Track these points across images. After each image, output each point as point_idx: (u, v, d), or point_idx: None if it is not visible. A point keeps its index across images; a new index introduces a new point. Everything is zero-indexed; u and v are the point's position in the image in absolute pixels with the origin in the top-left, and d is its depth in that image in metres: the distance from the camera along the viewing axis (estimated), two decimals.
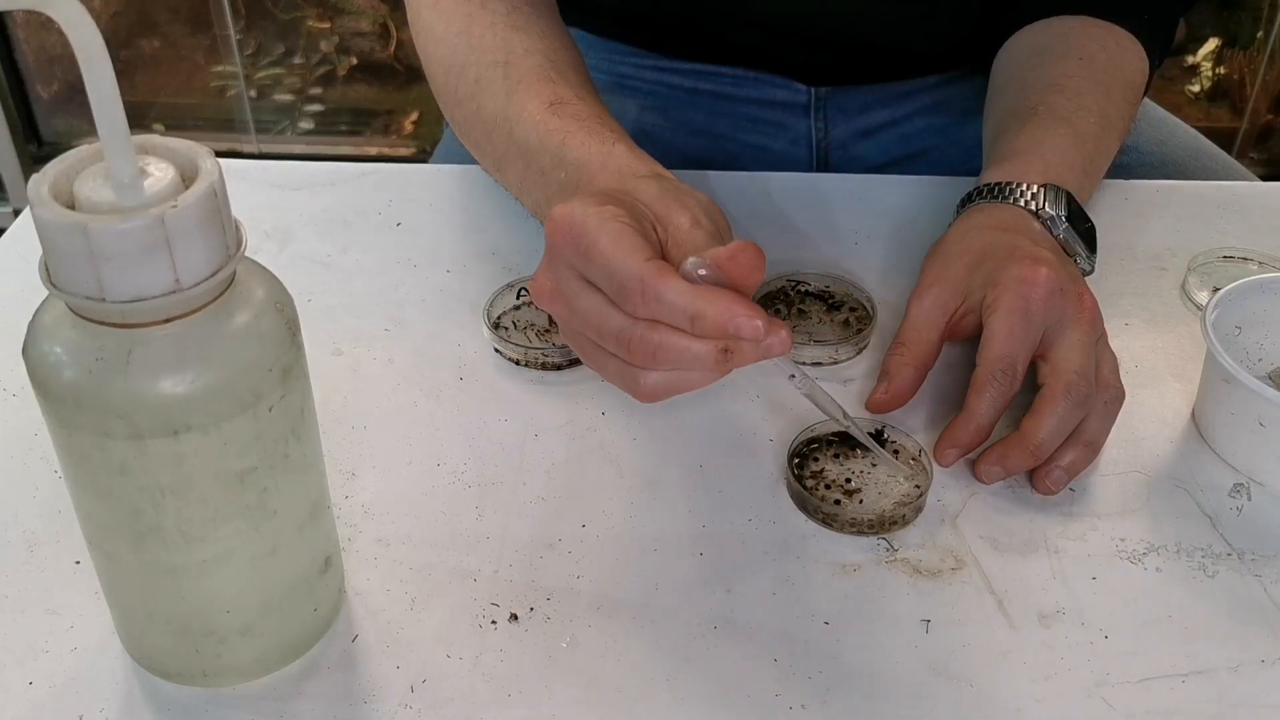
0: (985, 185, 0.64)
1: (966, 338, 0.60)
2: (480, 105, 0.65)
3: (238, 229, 0.38)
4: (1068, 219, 0.62)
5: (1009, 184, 0.63)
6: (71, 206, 0.35)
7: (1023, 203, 0.63)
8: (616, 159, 0.57)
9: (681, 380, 0.48)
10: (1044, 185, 0.63)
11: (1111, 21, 0.73)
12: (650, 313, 0.45)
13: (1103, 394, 0.55)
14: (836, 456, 0.56)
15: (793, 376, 0.51)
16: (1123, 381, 0.56)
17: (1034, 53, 0.74)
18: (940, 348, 0.59)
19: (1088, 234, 0.64)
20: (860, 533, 0.53)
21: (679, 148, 0.86)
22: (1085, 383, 0.54)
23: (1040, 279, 0.56)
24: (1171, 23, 0.78)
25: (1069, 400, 0.53)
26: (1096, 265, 0.65)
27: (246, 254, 0.39)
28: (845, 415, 0.54)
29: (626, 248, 0.45)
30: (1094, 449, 0.55)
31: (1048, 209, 0.62)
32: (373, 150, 2.11)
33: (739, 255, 0.46)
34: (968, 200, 0.65)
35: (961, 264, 0.60)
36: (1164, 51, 0.77)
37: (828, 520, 0.53)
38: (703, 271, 0.45)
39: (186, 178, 0.37)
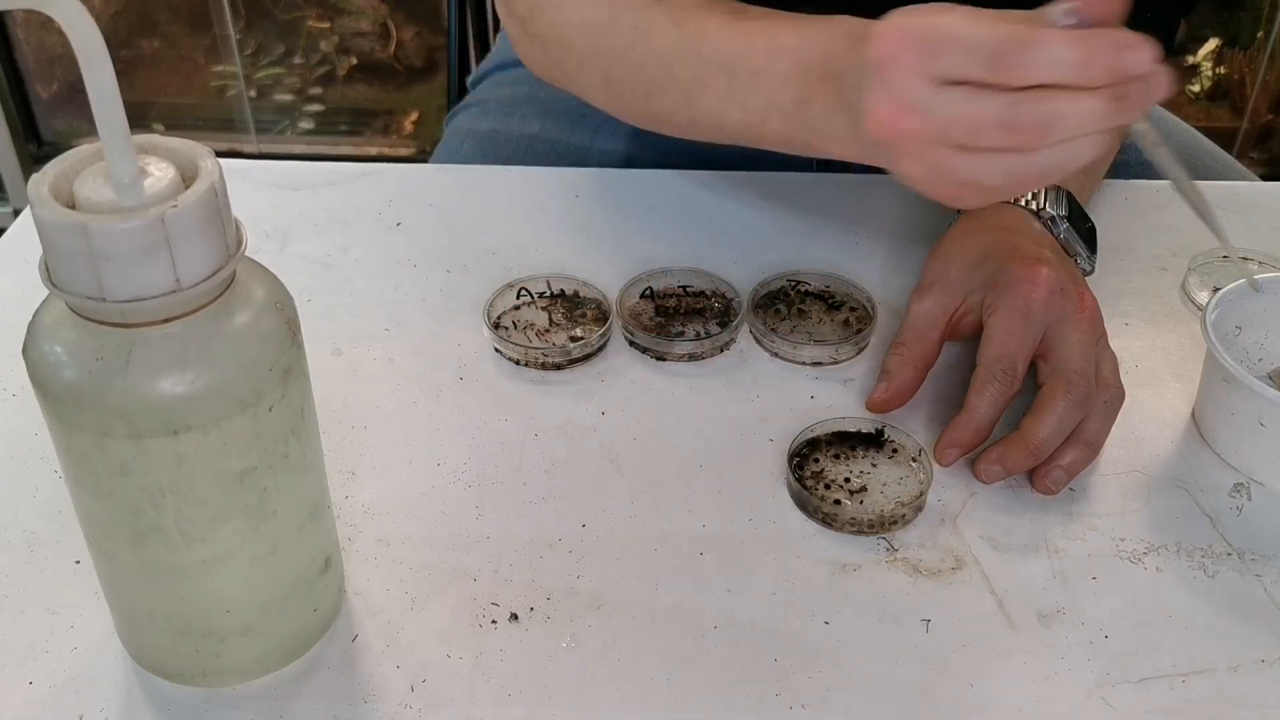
0: None
1: (967, 337, 0.60)
2: (649, 47, 0.62)
3: (238, 229, 0.38)
4: (1068, 219, 0.62)
5: None
6: (71, 206, 0.35)
7: (1023, 203, 0.63)
8: (842, 23, 0.54)
9: (1072, 151, 0.44)
10: (1044, 185, 0.63)
11: None
12: (1034, 72, 0.42)
13: (1103, 394, 0.55)
14: (836, 456, 0.56)
15: (1146, 146, 0.48)
16: (1123, 381, 0.56)
17: None
18: (940, 347, 0.59)
19: (1088, 234, 0.64)
20: (860, 533, 0.53)
21: (680, 147, 0.86)
22: (1085, 383, 0.54)
23: (1041, 279, 0.56)
24: (1172, 23, 0.78)
25: (1069, 400, 0.53)
26: (1096, 265, 0.65)
27: (246, 254, 0.39)
28: (1191, 183, 0.50)
29: (984, 19, 0.43)
30: (1094, 449, 0.55)
31: (1048, 209, 0.62)
32: (373, 150, 2.11)
33: None
34: None
35: (962, 264, 0.60)
36: (1165, 52, 0.77)
37: (828, 520, 0.53)
38: (1070, 20, 0.43)
39: (186, 178, 0.37)
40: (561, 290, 0.66)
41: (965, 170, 0.46)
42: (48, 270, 0.36)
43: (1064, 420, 0.53)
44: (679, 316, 0.65)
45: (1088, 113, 0.43)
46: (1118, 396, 0.56)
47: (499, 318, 0.64)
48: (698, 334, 0.63)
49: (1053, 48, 0.42)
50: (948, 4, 0.45)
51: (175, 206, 0.35)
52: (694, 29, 0.60)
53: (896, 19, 0.45)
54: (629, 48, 0.63)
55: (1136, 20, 0.74)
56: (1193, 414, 0.60)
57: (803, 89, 0.54)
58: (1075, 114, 0.43)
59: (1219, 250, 0.71)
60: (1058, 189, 0.63)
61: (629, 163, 0.83)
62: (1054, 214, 0.62)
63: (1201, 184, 0.78)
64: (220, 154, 0.39)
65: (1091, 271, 0.64)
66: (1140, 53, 0.41)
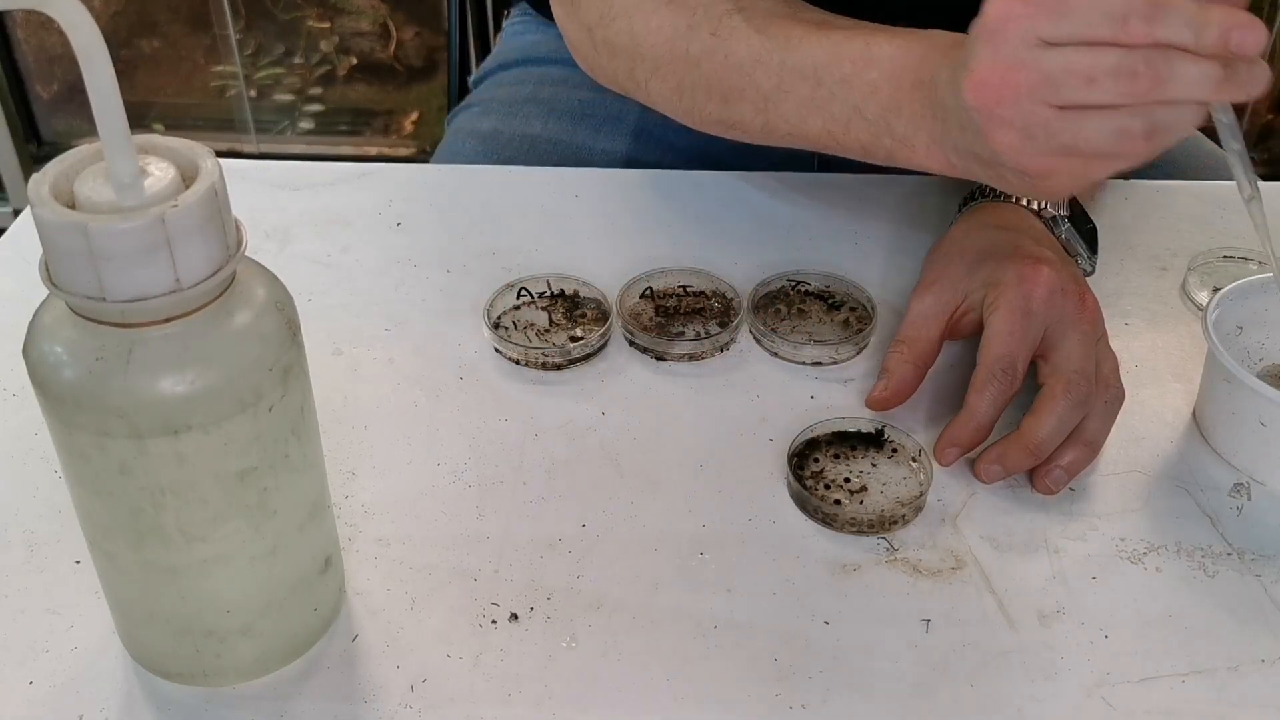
0: (987, 185, 0.64)
1: (967, 336, 0.60)
2: (729, 53, 0.62)
3: (238, 229, 0.38)
4: (1070, 219, 0.62)
5: None
6: (71, 206, 0.35)
7: (1024, 202, 0.63)
8: (937, 36, 0.55)
9: (1176, 117, 0.46)
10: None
11: None
12: (1158, 30, 0.43)
13: (1103, 394, 0.55)
14: (836, 457, 0.56)
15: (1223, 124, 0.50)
16: (1123, 381, 0.56)
17: None
18: (940, 346, 0.59)
19: (1089, 235, 0.64)
20: (860, 533, 0.53)
21: (681, 147, 0.86)
22: (1085, 382, 0.54)
23: (1041, 278, 0.56)
24: None
25: (1069, 400, 0.53)
26: (1097, 265, 0.65)
27: (246, 254, 0.39)
28: (1252, 196, 0.52)
29: None
30: (1094, 449, 0.55)
31: (1049, 209, 0.62)
32: (373, 150, 2.11)
33: None
34: (969, 200, 0.65)
35: (962, 263, 0.60)
36: None
37: (828, 520, 0.53)
38: None
39: (187, 178, 0.37)
40: (561, 290, 0.66)
41: (1068, 131, 0.46)
42: (48, 270, 0.36)
43: (1064, 420, 0.53)
44: (679, 316, 0.65)
45: (1201, 75, 0.44)
46: (1118, 396, 0.56)
47: (499, 318, 0.64)
48: (698, 334, 0.63)
49: (1179, 10, 0.43)
50: None
51: (175, 206, 0.35)
52: (778, 36, 0.60)
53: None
54: (707, 54, 0.63)
55: None
56: (1193, 414, 0.60)
57: (892, 96, 0.55)
58: (1190, 74, 0.44)
59: (1219, 250, 0.71)
60: None
61: (629, 163, 0.83)
62: (1055, 214, 0.62)
63: (1202, 184, 0.79)
64: (220, 154, 0.39)
65: (1092, 272, 0.64)
66: (1256, 33, 0.43)
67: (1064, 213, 0.62)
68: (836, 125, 0.59)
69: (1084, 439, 0.54)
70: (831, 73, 0.58)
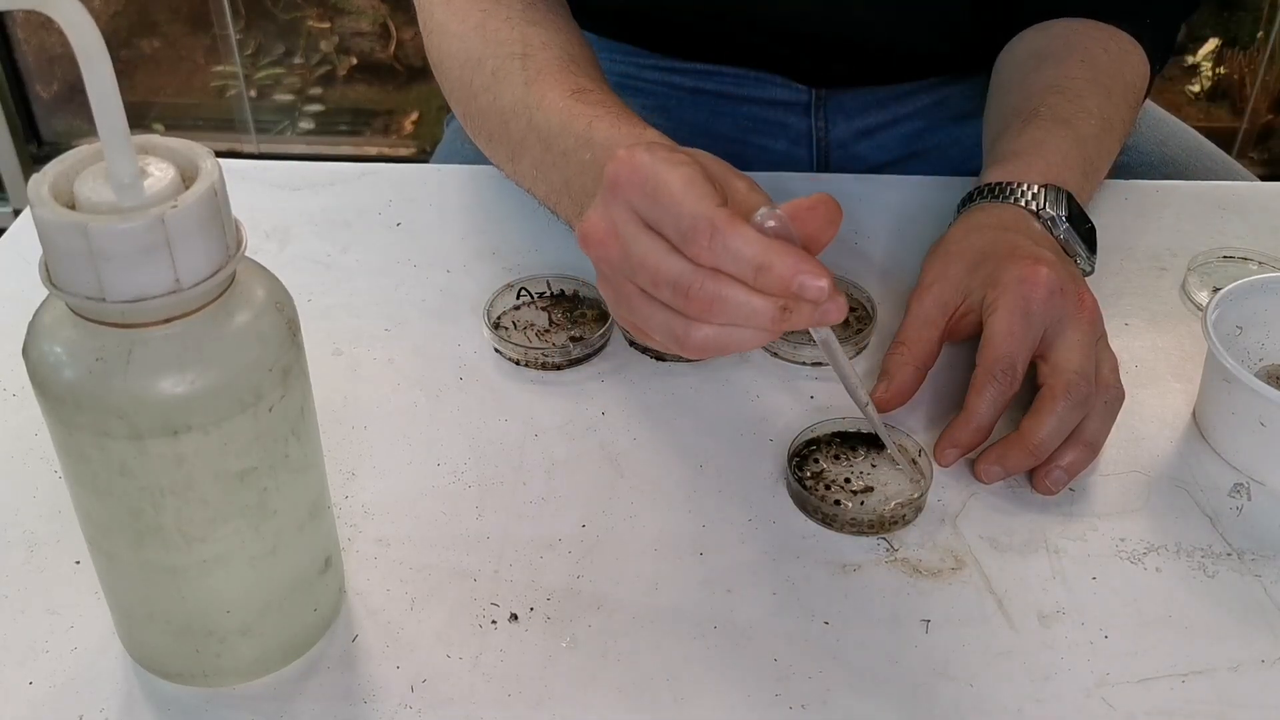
0: (986, 185, 0.64)
1: (966, 337, 0.60)
2: (497, 95, 0.65)
3: (238, 229, 0.38)
4: (1068, 219, 0.62)
5: (1010, 184, 0.63)
6: (71, 206, 0.35)
7: (1023, 203, 0.63)
8: (649, 139, 0.56)
9: (732, 337, 0.46)
10: (1044, 185, 0.63)
11: (1113, 25, 0.73)
12: (715, 259, 0.44)
13: (1103, 394, 0.55)
14: (837, 457, 0.56)
15: (822, 349, 0.51)
16: (1123, 381, 0.56)
17: (1035, 54, 0.74)
18: (940, 347, 0.59)
19: (1088, 234, 0.64)
20: (860, 533, 0.53)
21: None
22: (1085, 383, 0.54)
23: (1041, 279, 0.56)
24: (1173, 27, 0.78)
25: (1069, 400, 0.53)
26: (1096, 265, 0.65)
27: (246, 254, 0.39)
28: (867, 402, 0.54)
29: (699, 191, 0.44)
30: (1094, 449, 0.55)
31: (1048, 209, 0.62)
32: (373, 150, 2.11)
33: (819, 206, 0.45)
34: (968, 200, 0.65)
35: (962, 263, 0.60)
36: (1165, 56, 0.77)
37: (828, 520, 0.53)
38: (772, 223, 0.44)
39: (186, 178, 0.37)
40: (561, 290, 0.66)
41: (640, 311, 0.48)
42: (48, 270, 0.36)
43: (1064, 420, 0.53)
44: None
45: (752, 311, 0.44)
46: (1118, 396, 0.56)
47: (499, 318, 0.64)
48: None
49: (737, 245, 0.43)
50: (689, 159, 0.46)
51: (175, 207, 0.35)
52: (536, 93, 0.62)
53: (635, 151, 0.46)
54: (482, 90, 0.66)
55: (1138, 24, 0.74)
56: (1193, 414, 0.60)
57: (594, 181, 0.56)
58: (741, 307, 0.44)
59: (1219, 250, 0.71)
60: (1057, 189, 0.63)
61: None
62: (1054, 214, 0.62)
63: (1202, 184, 0.79)
64: (220, 154, 0.39)
65: (1091, 272, 0.64)
66: (816, 281, 0.43)
67: (1062, 212, 0.62)
68: (553, 193, 0.61)
69: (1084, 439, 0.54)
70: (558, 143, 0.60)
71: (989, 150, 0.70)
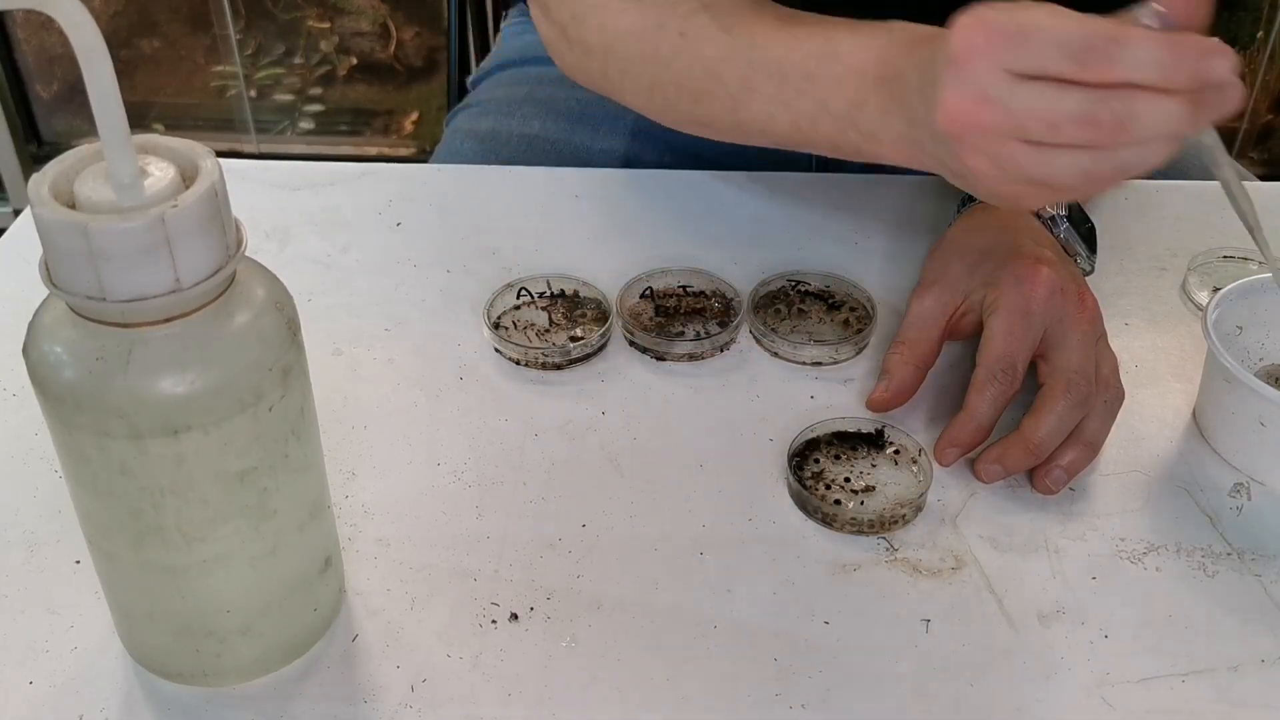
0: None
1: (967, 337, 0.60)
2: (697, 52, 0.62)
3: (238, 229, 0.38)
4: (1068, 219, 0.62)
5: None
6: (72, 206, 0.35)
7: None
8: (897, 29, 0.54)
9: (1146, 154, 0.45)
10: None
11: None
12: (1121, 70, 0.42)
13: (1103, 393, 0.55)
14: (837, 457, 0.56)
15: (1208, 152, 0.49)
16: (1123, 381, 0.56)
17: None
18: (941, 346, 0.59)
19: (1088, 234, 0.64)
20: (860, 533, 0.53)
21: (680, 146, 0.86)
22: (1085, 382, 0.54)
23: (1041, 278, 0.56)
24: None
25: (1069, 399, 0.53)
26: (1097, 265, 0.65)
27: (246, 254, 0.39)
28: (1257, 226, 0.51)
29: (1070, 17, 0.43)
30: (1094, 449, 0.55)
31: (1048, 209, 0.62)
32: (373, 150, 2.11)
33: None
34: (969, 199, 0.65)
35: (962, 263, 0.60)
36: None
37: (828, 520, 0.53)
38: (1155, 22, 0.43)
39: (187, 178, 0.37)
40: (561, 290, 0.66)
41: (1037, 166, 0.45)
42: (48, 270, 0.36)
43: (1064, 420, 0.54)
44: (679, 316, 0.65)
45: (1166, 114, 0.43)
46: (1118, 396, 0.56)
47: (499, 318, 0.64)
48: (698, 334, 0.63)
49: (1140, 47, 0.42)
50: (1029, 1, 0.45)
51: (175, 206, 0.35)
52: (744, 34, 0.60)
53: (979, 12, 0.45)
54: (676, 53, 0.63)
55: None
56: (1193, 414, 0.60)
57: (857, 92, 0.54)
58: (1155, 114, 0.43)
59: (1219, 250, 0.71)
60: None
61: (629, 163, 0.83)
62: (1054, 213, 0.62)
63: (1202, 184, 0.79)
64: (220, 154, 0.39)
65: (1091, 271, 0.64)
66: (1223, 60, 0.42)
67: (1062, 212, 0.62)
68: (804, 121, 0.59)
69: (1084, 439, 0.54)
70: (796, 69, 0.57)
71: None
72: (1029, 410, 0.54)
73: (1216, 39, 0.42)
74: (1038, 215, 0.62)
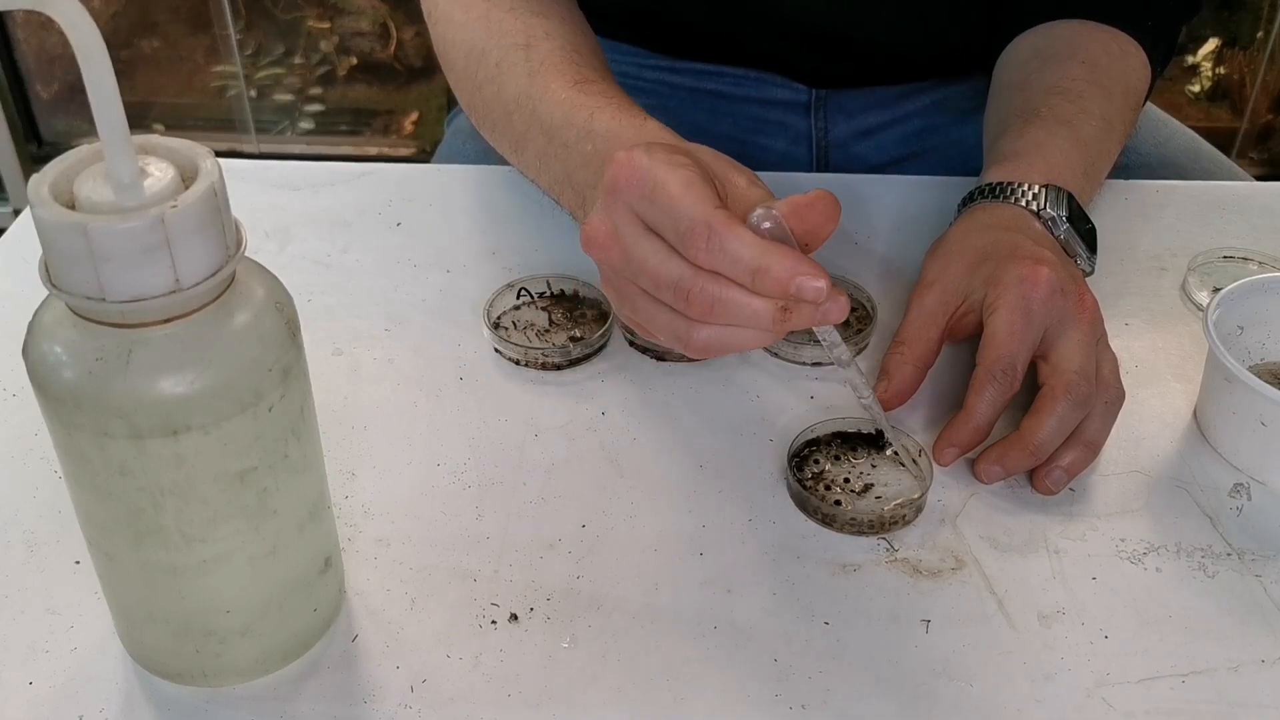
0: (987, 185, 0.64)
1: (967, 337, 0.60)
2: (501, 87, 0.65)
3: (238, 229, 0.38)
4: (1068, 219, 0.62)
5: (1010, 184, 0.63)
6: (71, 206, 0.35)
7: (1024, 203, 0.63)
8: (650, 132, 0.56)
9: (734, 338, 0.46)
10: (1045, 186, 0.63)
11: (1114, 27, 0.73)
12: (713, 262, 0.44)
13: (1103, 394, 0.55)
14: (837, 457, 0.56)
15: (827, 349, 0.51)
16: (1123, 382, 0.56)
17: (1037, 55, 0.74)
18: (940, 346, 0.59)
19: (1088, 235, 0.64)
20: (860, 533, 0.53)
21: None
22: (1086, 383, 0.54)
23: (1041, 279, 0.56)
24: (1174, 30, 0.78)
25: (1069, 400, 0.53)
26: (1097, 265, 0.65)
27: (246, 254, 0.39)
28: (871, 399, 0.54)
29: (696, 194, 0.45)
30: (1094, 449, 0.55)
31: (1049, 209, 0.62)
32: (373, 150, 2.11)
33: (817, 203, 0.45)
34: (969, 200, 0.65)
35: (962, 263, 0.60)
36: (1166, 58, 0.77)
37: (828, 520, 0.53)
38: (767, 224, 0.44)
39: (186, 178, 0.37)
40: (561, 290, 0.66)
41: (643, 310, 0.48)
42: (48, 270, 0.36)
43: (1064, 421, 0.53)
44: None
45: (752, 313, 0.45)
46: (1118, 397, 0.56)
47: (499, 318, 0.64)
48: None
49: (734, 248, 0.43)
50: (688, 159, 0.47)
51: (175, 207, 0.35)
52: (540, 85, 0.63)
53: (635, 152, 0.47)
54: (488, 81, 0.66)
55: (1140, 26, 0.74)
56: (1194, 414, 0.60)
57: (596, 174, 0.56)
58: (741, 309, 0.45)
59: (1219, 250, 0.71)
60: (1058, 189, 0.63)
61: None
62: (1055, 214, 0.62)
63: (1202, 184, 0.79)
64: (220, 154, 0.39)
65: (1091, 272, 0.64)
66: (814, 282, 0.43)
67: (1063, 213, 0.62)
68: (556, 185, 0.62)
69: (1084, 439, 0.54)
70: (560, 135, 0.60)
71: (989, 150, 0.70)
72: (1029, 411, 0.54)
73: (812, 262, 0.43)
74: (1038, 215, 0.62)
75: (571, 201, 0.60)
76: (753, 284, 0.44)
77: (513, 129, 0.65)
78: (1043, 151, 0.65)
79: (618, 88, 0.62)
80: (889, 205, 0.75)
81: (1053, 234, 0.62)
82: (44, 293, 0.37)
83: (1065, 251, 0.62)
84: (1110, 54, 0.72)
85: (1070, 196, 0.63)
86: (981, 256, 0.59)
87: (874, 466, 0.56)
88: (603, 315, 0.64)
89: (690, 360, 0.62)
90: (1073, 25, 0.74)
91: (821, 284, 0.43)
